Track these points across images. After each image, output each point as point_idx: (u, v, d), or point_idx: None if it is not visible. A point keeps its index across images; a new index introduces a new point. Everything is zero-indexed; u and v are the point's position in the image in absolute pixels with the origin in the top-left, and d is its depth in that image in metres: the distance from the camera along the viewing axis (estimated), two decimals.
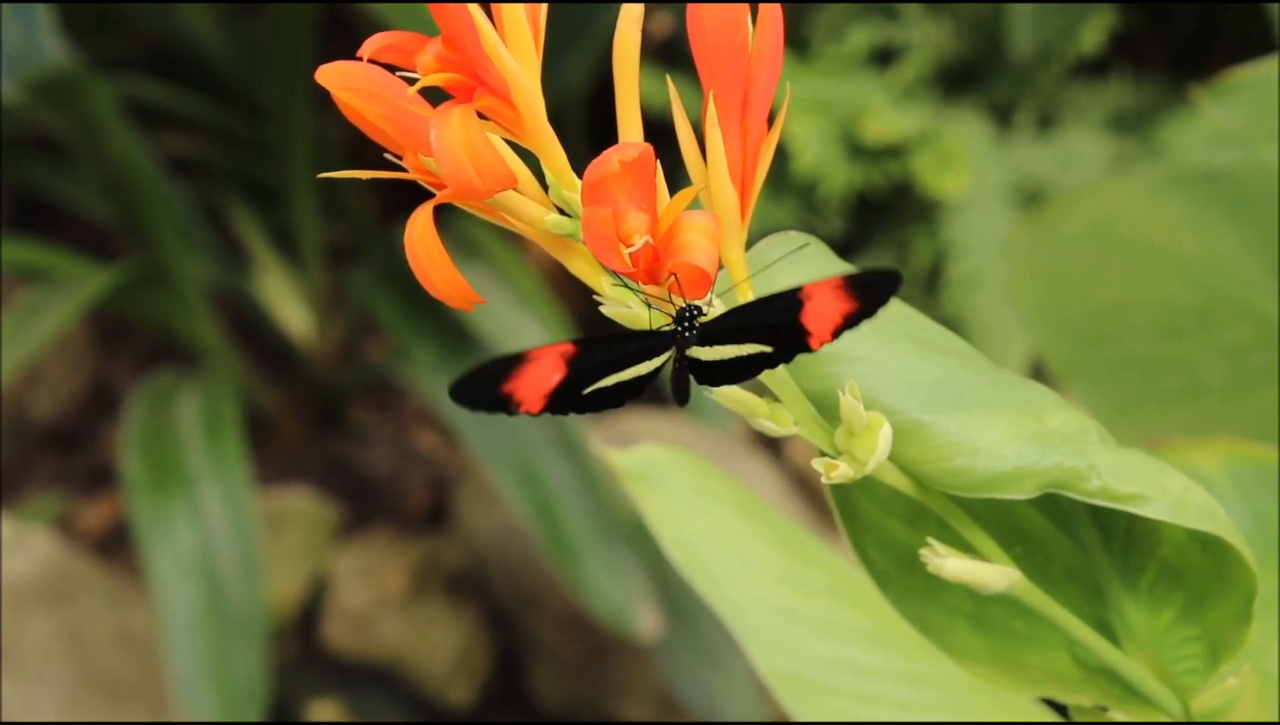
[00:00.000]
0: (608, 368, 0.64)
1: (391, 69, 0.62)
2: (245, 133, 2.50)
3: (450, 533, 2.37)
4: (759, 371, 0.64)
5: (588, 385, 0.64)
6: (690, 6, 0.62)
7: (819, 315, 0.61)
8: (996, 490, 0.67)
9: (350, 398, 2.56)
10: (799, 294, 0.61)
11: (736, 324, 0.63)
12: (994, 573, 0.70)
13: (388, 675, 2.28)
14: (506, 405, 0.63)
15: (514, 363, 0.62)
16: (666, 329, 0.63)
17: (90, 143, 2.14)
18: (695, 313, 0.63)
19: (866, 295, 0.61)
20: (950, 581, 0.70)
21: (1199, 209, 1.38)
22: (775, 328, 0.62)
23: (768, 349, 0.63)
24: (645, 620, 1.95)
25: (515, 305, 2.05)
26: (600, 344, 0.63)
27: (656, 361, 0.64)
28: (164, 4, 2.47)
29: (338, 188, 2.44)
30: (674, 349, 0.64)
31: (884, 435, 0.65)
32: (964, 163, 2.34)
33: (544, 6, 0.63)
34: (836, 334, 0.61)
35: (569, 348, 0.63)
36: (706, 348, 0.63)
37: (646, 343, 0.64)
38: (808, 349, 0.62)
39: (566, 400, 0.64)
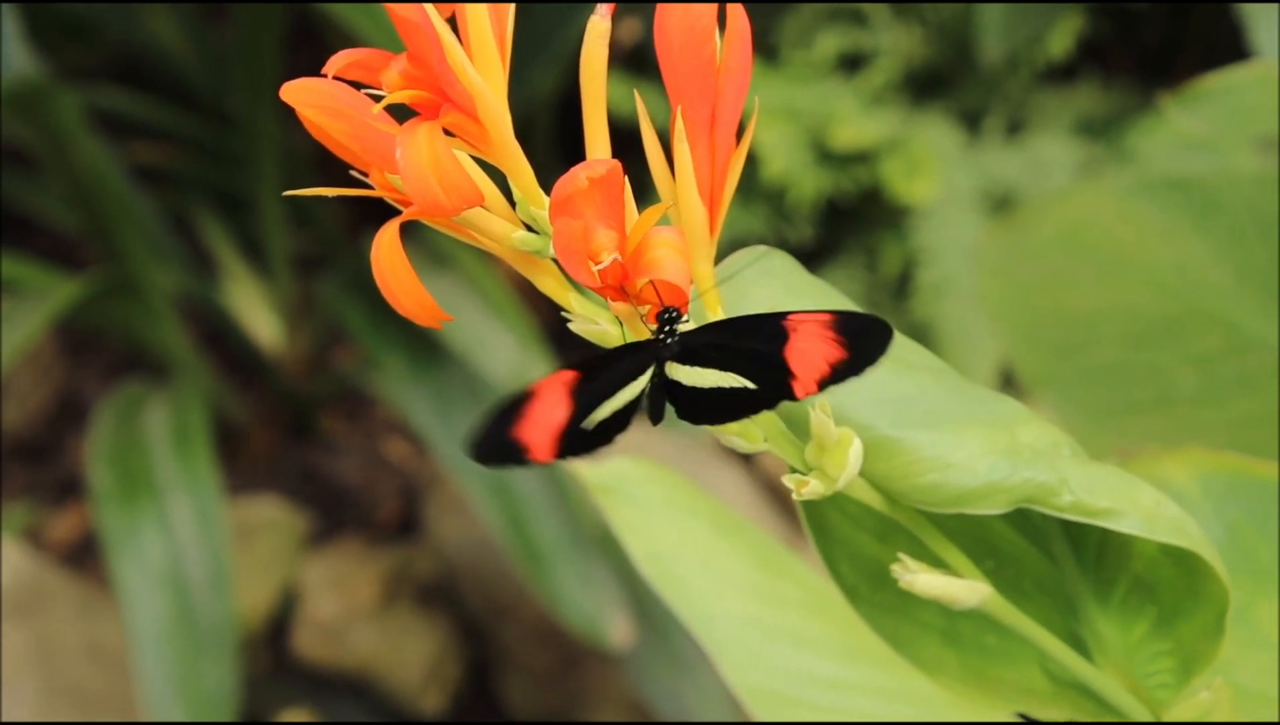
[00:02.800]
0: (604, 393, 0.63)
1: (357, 85, 0.62)
2: (213, 142, 2.49)
3: (421, 542, 2.36)
4: (742, 415, 0.63)
5: (587, 417, 0.63)
6: (657, 18, 0.62)
7: (804, 355, 0.61)
8: (968, 506, 0.66)
9: (320, 407, 2.56)
10: (784, 321, 0.61)
11: (718, 341, 0.63)
12: (965, 588, 0.70)
13: (359, 685, 2.27)
14: (518, 455, 0.62)
15: (520, 402, 0.62)
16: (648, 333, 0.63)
17: (57, 152, 2.13)
18: (675, 316, 0.62)
19: (856, 345, 0.61)
20: (922, 597, 0.70)
21: (1168, 216, 1.38)
22: (759, 359, 0.62)
23: (750, 385, 0.62)
24: (616, 629, 1.95)
25: (485, 315, 2.05)
26: (596, 365, 0.63)
27: (642, 381, 0.63)
28: (130, 13, 2.47)
29: (305, 197, 2.43)
30: (654, 364, 0.63)
31: (854, 451, 0.65)
32: (933, 169, 2.34)
33: (511, 22, 0.62)
34: (823, 386, 0.61)
35: (571, 375, 0.62)
36: (688, 368, 0.63)
37: (635, 359, 0.63)
38: (792, 396, 0.62)
39: (573, 440, 0.63)
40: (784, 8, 2.51)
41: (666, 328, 0.62)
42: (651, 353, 0.63)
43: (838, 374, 0.61)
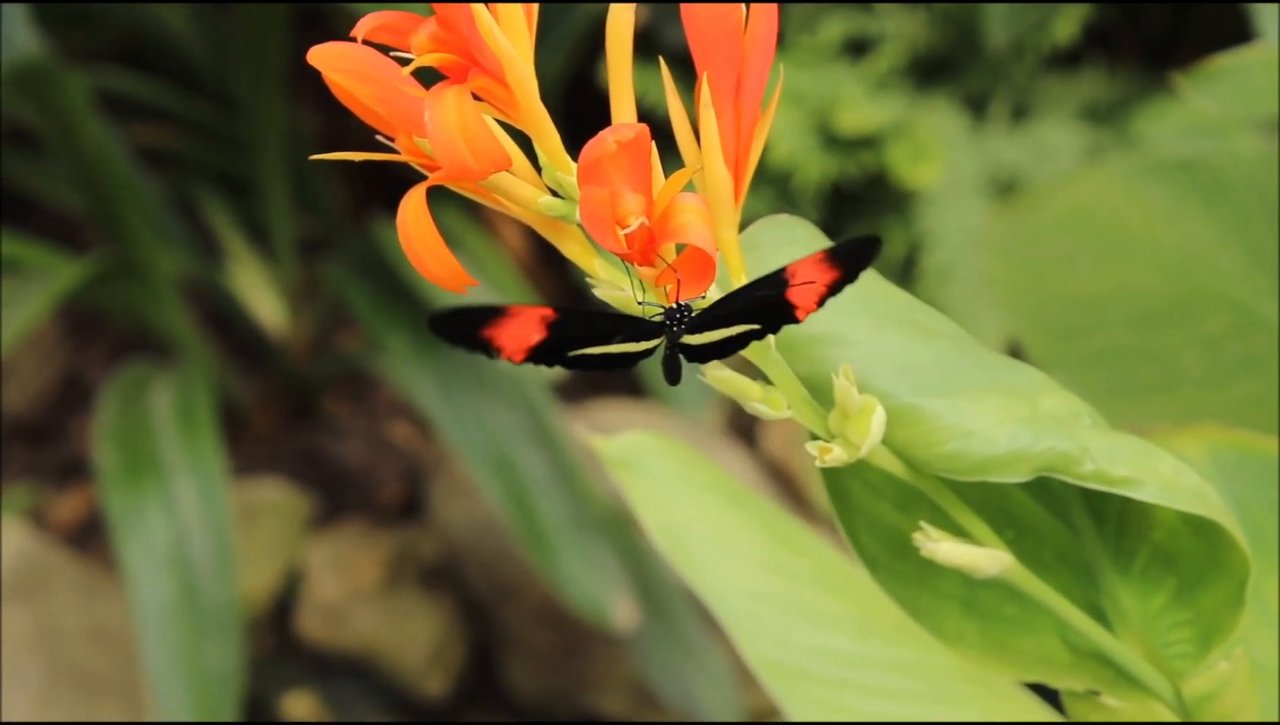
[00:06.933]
0: (590, 341, 0.63)
1: (384, 50, 0.62)
2: (218, 125, 2.49)
3: (425, 524, 2.36)
4: (747, 345, 0.64)
5: (569, 350, 0.63)
6: None
7: (803, 291, 0.61)
8: (990, 474, 0.66)
9: (324, 389, 2.56)
10: (784, 274, 0.61)
11: (724, 311, 0.63)
12: (986, 557, 0.70)
13: (362, 667, 2.28)
14: (487, 348, 0.62)
15: (494, 313, 0.62)
16: (655, 319, 0.63)
17: (62, 134, 2.13)
18: (686, 312, 0.63)
19: (848, 263, 0.61)
20: (942, 566, 0.70)
21: (1175, 198, 1.38)
22: (762, 307, 0.62)
23: (755, 326, 0.63)
24: (621, 612, 1.95)
25: (490, 294, 2.05)
26: (583, 318, 0.63)
27: (649, 344, 0.64)
28: None
29: (310, 180, 2.44)
30: (664, 337, 0.64)
31: (877, 419, 0.65)
32: (938, 154, 2.34)
33: None
34: (821, 302, 0.61)
35: (549, 312, 0.63)
36: (696, 335, 0.63)
37: (632, 328, 0.63)
38: (794, 320, 0.62)
39: (548, 357, 0.63)
40: None
41: (677, 321, 0.63)
42: (655, 330, 0.63)
43: (834, 289, 0.62)
